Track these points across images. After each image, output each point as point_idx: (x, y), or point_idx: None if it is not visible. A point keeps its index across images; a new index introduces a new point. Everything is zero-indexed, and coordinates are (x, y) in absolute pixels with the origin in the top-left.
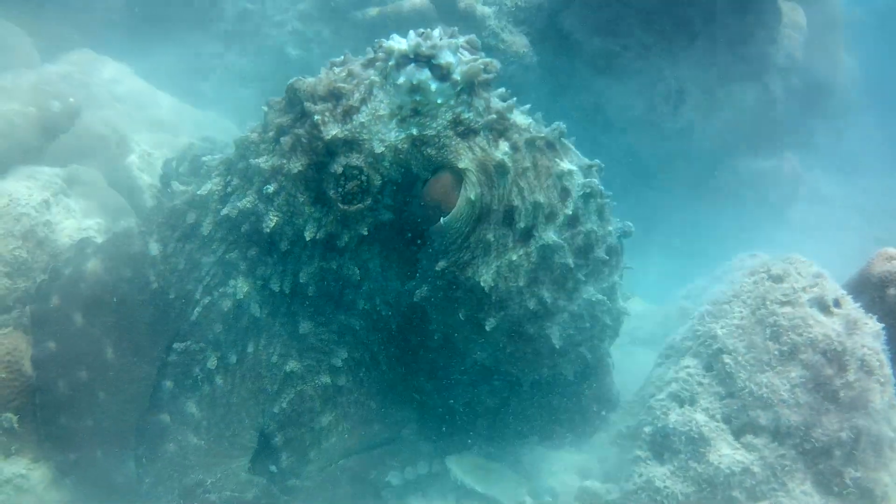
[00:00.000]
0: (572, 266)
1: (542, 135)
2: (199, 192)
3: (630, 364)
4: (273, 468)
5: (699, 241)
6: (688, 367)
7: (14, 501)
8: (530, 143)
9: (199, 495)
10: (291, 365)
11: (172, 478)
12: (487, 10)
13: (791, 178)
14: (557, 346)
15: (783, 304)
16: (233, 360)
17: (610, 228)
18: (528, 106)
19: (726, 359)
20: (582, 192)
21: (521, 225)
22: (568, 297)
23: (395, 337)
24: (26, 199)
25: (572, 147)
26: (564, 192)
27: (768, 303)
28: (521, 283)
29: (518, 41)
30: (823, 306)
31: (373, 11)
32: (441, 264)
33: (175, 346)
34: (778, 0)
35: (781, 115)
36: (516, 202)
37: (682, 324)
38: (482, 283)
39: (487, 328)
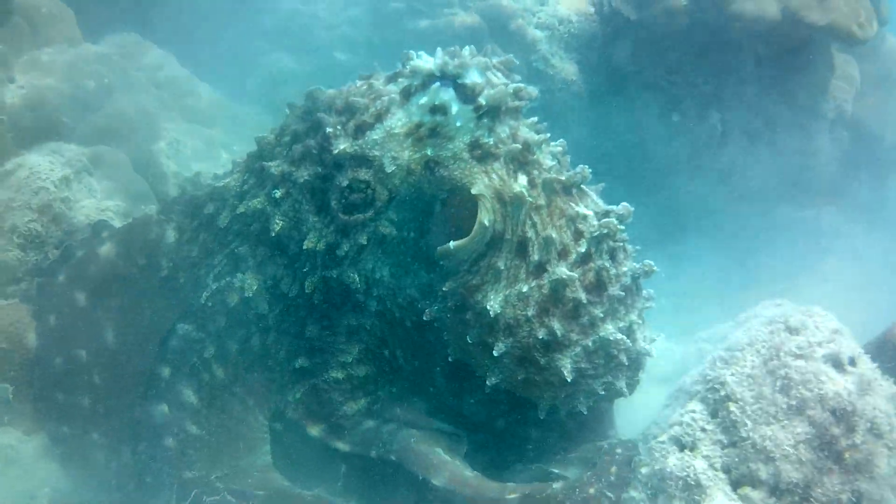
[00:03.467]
0: (585, 301)
1: (562, 178)
2: (218, 185)
3: (643, 401)
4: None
5: (728, 285)
6: (693, 411)
7: (1, 471)
8: (548, 184)
9: (202, 488)
10: (300, 361)
11: (172, 474)
12: (539, 35)
13: (829, 230)
14: (569, 379)
15: (797, 356)
16: (233, 349)
17: (624, 269)
18: (560, 143)
19: (732, 407)
20: (596, 234)
21: (535, 258)
22: (582, 332)
23: (412, 333)
24: (47, 173)
25: (591, 193)
26: (577, 234)
27: (782, 354)
28: (531, 313)
29: (568, 68)
30: (838, 363)
31: (423, 23)
32: (450, 285)
33: (178, 326)
34: (832, 51)
35: (824, 167)
36: (530, 234)
37: (695, 368)
38: (489, 309)
39: (496, 353)
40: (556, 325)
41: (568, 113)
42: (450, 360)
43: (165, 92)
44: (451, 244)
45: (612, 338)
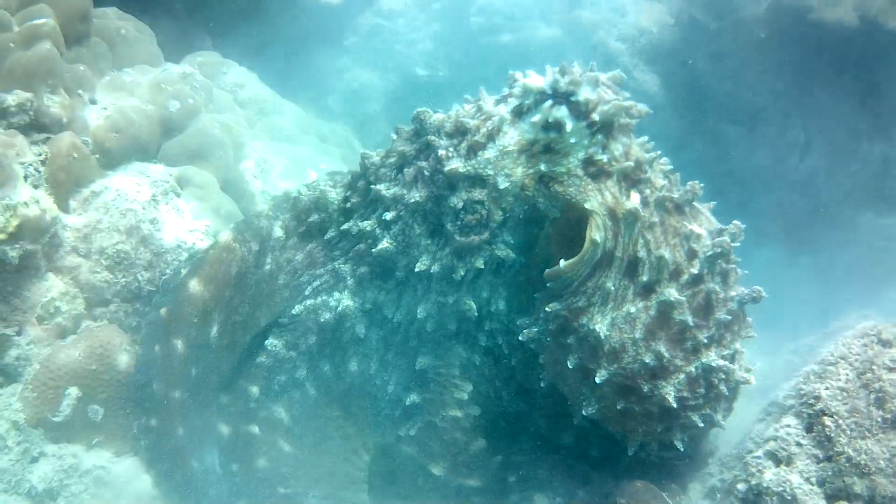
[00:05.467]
0: (692, 325)
1: (675, 196)
2: (320, 196)
3: (731, 417)
4: None
5: (813, 295)
6: (788, 426)
7: (91, 493)
8: (660, 203)
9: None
10: (413, 398)
11: (266, 493)
12: (621, 47)
13: None
14: (674, 406)
15: (891, 370)
16: (326, 370)
17: (733, 293)
18: (668, 164)
19: (827, 421)
20: (710, 253)
21: (644, 278)
22: (685, 358)
23: (517, 374)
24: (134, 194)
25: (704, 210)
26: (691, 253)
27: (875, 367)
28: (637, 336)
29: (649, 80)
30: None
31: (505, 38)
32: (553, 306)
33: (268, 343)
34: None
35: None
36: (641, 254)
37: (787, 379)
38: (598, 331)
39: (598, 380)
40: (663, 349)
41: (650, 125)
42: (542, 385)
43: (249, 110)
44: (562, 263)
45: (714, 364)
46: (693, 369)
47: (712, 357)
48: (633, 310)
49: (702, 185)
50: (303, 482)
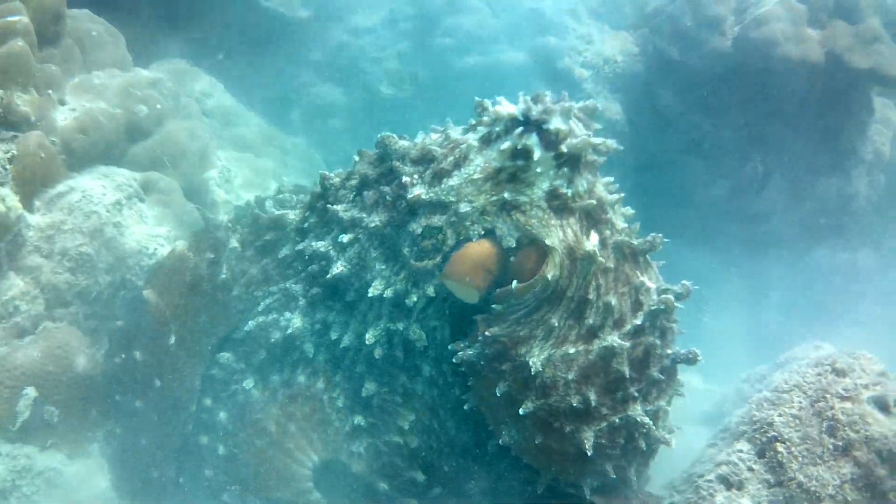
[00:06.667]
0: (627, 376)
1: (634, 243)
2: (279, 217)
3: (680, 442)
4: None
5: (765, 327)
6: (740, 451)
7: (43, 494)
8: (618, 247)
9: None
10: (358, 419)
11: (211, 501)
12: (585, 73)
13: (865, 274)
14: (589, 454)
15: (843, 398)
16: (275, 380)
17: (669, 351)
18: (630, 212)
19: (780, 447)
20: (654, 308)
21: (590, 321)
22: (612, 407)
23: (461, 402)
24: (99, 197)
25: (654, 266)
26: (637, 304)
27: (828, 396)
28: (571, 377)
29: (612, 108)
30: (883, 406)
31: (471, 60)
32: (494, 331)
33: (220, 355)
34: (871, 96)
35: (862, 210)
36: (591, 297)
37: (739, 406)
38: (530, 364)
39: (521, 412)
40: (592, 396)
41: (612, 153)
42: (465, 408)
43: (215, 120)
44: (514, 284)
45: (638, 419)
46: (617, 420)
47: (638, 412)
48: (571, 351)
49: (665, 240)
50: (246, 486)
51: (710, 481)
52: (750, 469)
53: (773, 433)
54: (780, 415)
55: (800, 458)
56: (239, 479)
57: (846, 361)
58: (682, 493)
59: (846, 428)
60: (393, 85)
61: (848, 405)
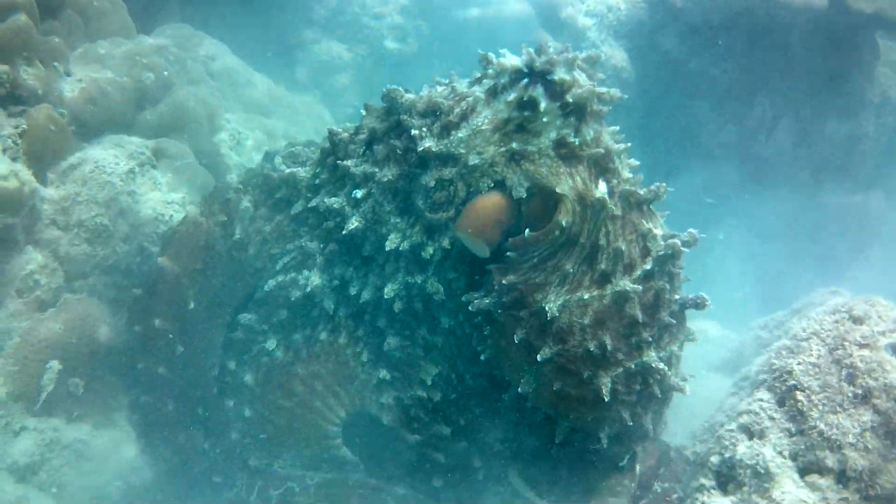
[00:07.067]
0: (640, 321)
1: (639, 192)
2: (290, 175)
3: (702, 390)
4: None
5: (780, 272)
6: (761, 400)
7: (72, 466)
8: (625, 196)
9: (266, 480)
10: (383, 373)
11: (238, 466)
12: (588, 22)
13: (876, 216)
14: (606, 399)
15: (861, 346)
16: (298, 338)
17: (677, 296)
18: (635, 163)
19: (799, 396)
20: (662, 253)
21: (602, 266)
22: (628, 353)
23: (478, 355)
24: (112, 167)
25: (658, 216)
26: (645, 251)
27: (847, 344)
28: (586, 322)
29: (617, 55)
30: None
31: (474, 12)
32: (510, 278)
33: (242, 316)
34: (877, 39)
35: (871, 153)
36: (602, 242)
37: (757, 354)
38: (547, 310)
39: (540, 358)
40: (608, 341)
41: (618, 101)
42: (482, 358)
43: (221, 82)
44: (527, 233)
45: (653, 365)
46: (633, 366)
47: (653, 357)
48: (586, 296)
49: (670, 189)
50: (272, 450)
51: (731, 430)
52: (771, 418)
53: (793, 382)
54: (798, 363)
55: (820, 407)
56: (266, 441)
57: (863, 308)
58: (705, 442)
59: (865, 375)
60: (398, 40)
61: (866, 353)
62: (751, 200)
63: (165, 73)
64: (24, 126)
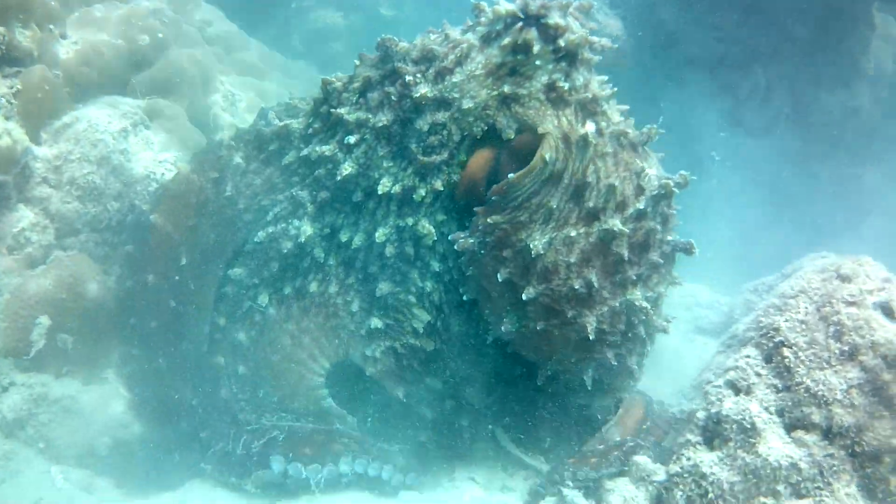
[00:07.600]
0: (626, 259)
1: (630, 132)
2: (282, 127)
3: (690, 351)
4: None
5: (771, 242)
6: (748, 356)
7: (59, 422)
8: (615, 136)
9: (252, 434)
10: (375, 322)
11: (226, 421)
12: None
13: (870, 189)
14: (591, 338)
15: (849, 304)
16: (288, 292)
17: (669, 238)
18: (626, 107)
19: (786, 352)
20: (656, 193)
21: (590, 204)
22: (612, 291)
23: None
24: (105, 125)
25: (654, 157)
26: (638, 189)
27: (834, 301)
28: (572, 260)
29: (613, 24)
30: (889, 311)
31: None
32: (495, 218)
33: (232, 271)
34: (872, 11)
35: (866, 125)
36: (590, 179)
37: (747, 317)
38: (531, 248)
39: (524, 297)
40: (594, 278)
41: (612, 68)
42: (464, 298)
43: (216, 46)
44: (510, 176)
45: (637, 304)
46: (617, 304)
47: (638, 296)
48: (573, 234)
49: (661, 130)
50: (261, 404)
51: (718, 387)
52: (758, 374)
53: (780, 338)
54: (786, 320)
55: (807, 363)
56: (255, 397)
57: (851, 267)
58: (692, 399)
59: (852, 333)
60: (393, 6)
61: (853, 310)
62: (745, 171)
63: (160, 35)
64: (19, 86)
